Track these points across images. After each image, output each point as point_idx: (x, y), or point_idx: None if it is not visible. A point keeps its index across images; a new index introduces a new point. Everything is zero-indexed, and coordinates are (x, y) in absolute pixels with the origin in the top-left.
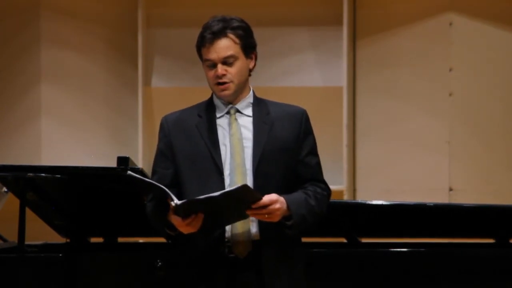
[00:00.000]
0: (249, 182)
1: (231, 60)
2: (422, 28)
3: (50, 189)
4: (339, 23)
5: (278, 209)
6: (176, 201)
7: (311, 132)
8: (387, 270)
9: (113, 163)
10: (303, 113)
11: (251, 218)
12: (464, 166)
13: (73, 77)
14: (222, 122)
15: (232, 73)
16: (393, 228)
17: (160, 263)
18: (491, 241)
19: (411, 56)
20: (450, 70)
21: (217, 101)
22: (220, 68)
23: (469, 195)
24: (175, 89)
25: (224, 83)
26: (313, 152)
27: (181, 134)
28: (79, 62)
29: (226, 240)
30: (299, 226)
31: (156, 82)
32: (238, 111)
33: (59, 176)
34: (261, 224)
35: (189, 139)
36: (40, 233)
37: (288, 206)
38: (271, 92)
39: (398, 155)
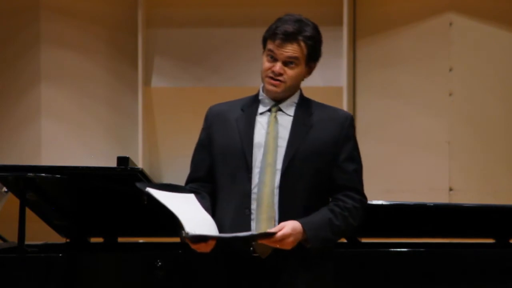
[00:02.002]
0: (277, 182)
1: (292, 63)
2: (422, 28)
3: (50, 189)
4: (339, 23)
5: (290, 242)
6: (186, 231)
7: (352, 138)
8: (387, 270)
9: (113, 163)
10: (348, 118)
11: (274, 217)
12: (464, 166)
13: (73, 77)
14: (262, 119)
15: (288, 75)
16: (393, 228)
17: (160, 263)
18: (491, 241)
19: (411, 56)
20: (450, 70)
21: (262, 97)
22: (279, 67)
23: (469, 195)
24: (175, 89)
25: (277, 80)
26: (352, 158)
27: (220, 127)
28: (79, 62)
29: None
30: (319, 248)
31: (156, 82)
32: (280, 109)
33: (59, 176)
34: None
35: (226, 133)
36: (40, 233)
37: (305, 233)
38: None
39: (398, 155)
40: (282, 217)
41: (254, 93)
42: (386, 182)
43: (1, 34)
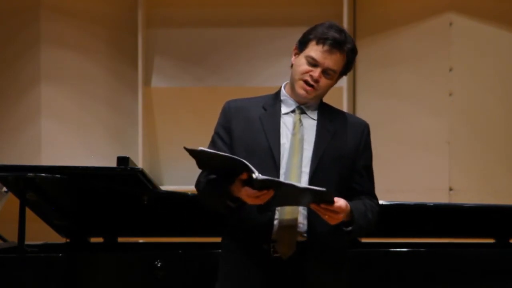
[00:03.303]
0: (304, 184)
1: (330, 74)
2: (422, 28)
3: (50, 189)
4: (339, 23)
5: (339, 218)
6: (257, 175)
7: (370, 147)
8: (387, 270)
9: (113, 163)
10: (366, 126)
11: (299, 220)
12: (464, 166)
13: (73, 77)
14: (286, 120)
15: (323, 84)
16: (393, 228)
17: (160, 263)
18: (491, 241)
19: (411, 56)
20: (450, 70)
21: (284, 97)
22: (318, 73)
23: (469, 195)
24: (175, 89)
25: (312, 86)
26: (369, 166)
27: (242, 122)
28: (79, 62)
29: (271, 238)
30: (355, 235)
31: (156, 82)
32: (304, 112)
33: (59, 176)
34: (309, 227)
35: (250, 129)
36: (40, 233)
37: (351, 213)
38: (271, 92)
39: (398, 155)
40: (310, 220)
41: (253, 92)
42: (386, 182)
43: (1, 34)
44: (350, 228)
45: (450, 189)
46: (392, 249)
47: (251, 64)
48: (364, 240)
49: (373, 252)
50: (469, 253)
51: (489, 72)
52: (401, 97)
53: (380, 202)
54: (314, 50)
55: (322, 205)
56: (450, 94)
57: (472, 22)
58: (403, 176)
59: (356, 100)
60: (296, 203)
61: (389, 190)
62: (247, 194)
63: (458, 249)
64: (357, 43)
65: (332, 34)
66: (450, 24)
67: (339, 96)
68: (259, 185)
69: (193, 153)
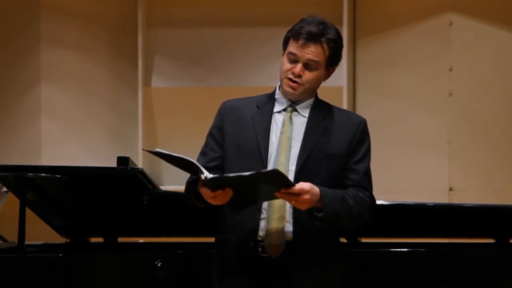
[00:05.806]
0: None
1: (313, 65)
2: (422, 28)
3: (50, 189)
4: (339, 23)
5: (306, 200)
6: (206, 175)
7: (366, 141)
8: (387, 270)
9: (113, 163)
10: (361, 122)
11: (287, 218)
12: (464, 166)
13: (73, 77)
14: (277, 118)
15: (307, 78)
16: (393, 228)
17: (160, 263)
18: (491, 241)
19: (411, 56)
20: (450, 70)
21: (278, 96)
22: (299, 68)
23: (469, 195)
24: (175, 89)
25: (296, 82)
26: (363, 160)
27: (235, 122)
28: (79, 62)
29: (259, 238)
30: (330, 221)
31: (156, 82)
32: (295, 110)
33: (59, 176)
34: (296, 226)
35: (241, 128)
36: (40, 233)
37: (321, 198)
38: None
39: (398, 155)
40: (296, 217)
41: (253, 92)
42: (386, 182)
43: (1, 34)
44: (321, 213)
45: (450, 189)
46: (392, 249)
47: (251, 64)
48: (364, 240)
49: (373, 252)
50: (469, 253)
51: (489, 72)
52: (401, 97)
53: (380, 202)
54: (292, 47)
55: (282, 190)
56: (450, 94)
57: (472, 22)
58: (403, 176)
59: (356, 100)
60: (262, 198)
61: (389, 190)
62: (205, 195)
63: (458, 249)
64: (357, 43)
65: (307, 28)
66: (450, 24)
67: (339, 96)
68: (211, 185)
69: (153, 154)
